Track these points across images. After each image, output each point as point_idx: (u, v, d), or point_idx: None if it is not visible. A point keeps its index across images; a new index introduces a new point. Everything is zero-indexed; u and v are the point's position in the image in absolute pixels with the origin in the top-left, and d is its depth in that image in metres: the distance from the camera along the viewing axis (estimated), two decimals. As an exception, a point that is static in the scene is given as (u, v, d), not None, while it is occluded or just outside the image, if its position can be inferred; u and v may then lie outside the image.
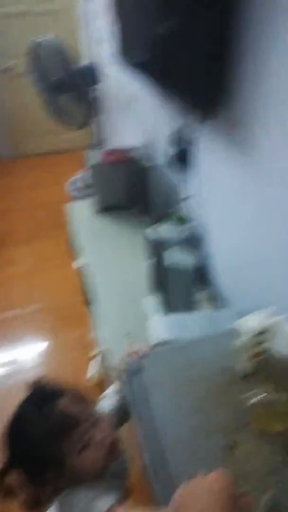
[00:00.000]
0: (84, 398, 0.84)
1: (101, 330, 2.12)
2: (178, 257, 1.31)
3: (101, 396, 1.05)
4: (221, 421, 0.77)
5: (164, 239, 1.42)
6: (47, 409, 0.76)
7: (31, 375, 1.97)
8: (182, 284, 1.32)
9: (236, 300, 1.57)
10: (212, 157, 1.54)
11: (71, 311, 2.43)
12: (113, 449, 0.79)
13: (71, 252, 2.83)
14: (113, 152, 2.24)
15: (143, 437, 0.77)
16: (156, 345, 1.00)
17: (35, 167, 4.40)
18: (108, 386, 1.87)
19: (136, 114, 2.55)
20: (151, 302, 1.63)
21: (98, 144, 3.07)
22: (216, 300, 1.65)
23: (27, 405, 0.79)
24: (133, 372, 0.90)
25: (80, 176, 3.21)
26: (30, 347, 2.21)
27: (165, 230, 1.50)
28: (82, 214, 2.38)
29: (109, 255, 1.98)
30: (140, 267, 1.87)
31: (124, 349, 0.97)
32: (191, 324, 1.17)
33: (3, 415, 1.80)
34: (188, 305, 1.39)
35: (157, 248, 1.41)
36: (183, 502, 0.47)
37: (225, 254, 1.62)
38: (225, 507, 0.44)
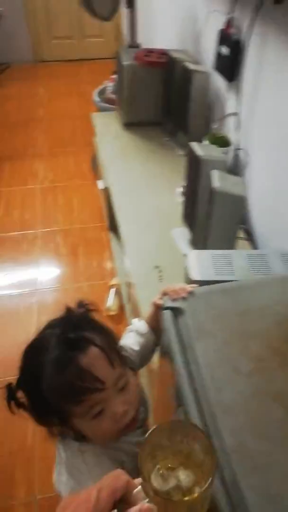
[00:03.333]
0: (118, 351, 0.66)
1: (121, 260, 1.98)
2: (228, 182, 1.07)
3: (126, 330, 0.90)
4: (286, 386, 0.61)
5: (211, 158, 1.16)
6: (68, 358, 0.59)
7: (47, 299, 1.82)
8: (230, 214, 1.09)
9: (272, 240, 1.37)
10: (266, 64, 1.23)
11: (91, 236, 2.26)
12: (131, 424, 0.65)
13: (95, 171, 2.59)
14: (149, 52, 1.88)
15: (188, 395, 0.61)
16: (197, 285, 0.81)
17: (58, 75, 3.97)
18: (127, 319, 1.81)
19: (176, 6, 2.11)
20: (182, 234, 1.42)
21: (130, 46, 2.64)
22: (251, 239, 1.44)
23: (53, 336, 0.62)
24: (174, 314, 0.73)
25: (108, 86, 2.84)
26: (46, 270, 2.09)
27: (210, 149, 1.24)
28: (108, 128, 2.08)
29: (137, 177, 1.74)
30: (171, 193, 1.64)
31: (164, 286, 0.78)
32: (236, 264, 0.97)
33: (15, 336, 1.70)
34: (229, 242, 1.18)
35: (201, 168, 1.17)
36: None
37: (264, 187, 1.37)
38: None
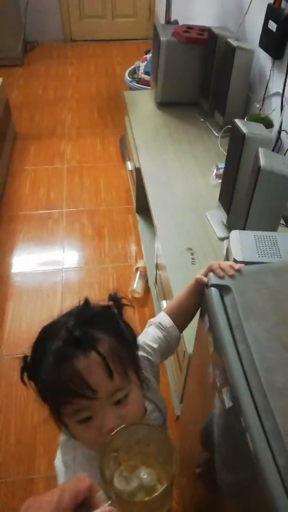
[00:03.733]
0: (126, 360, 0.59)
1: (149, 242, 1.93)
2: (276, 161, 1.01)
3: (147, 323, 0.82)
4: None
5: (257, 136, 1.10)
6: (67, 355, 0.55)
7: (71, 278, 1.80)
8: (275, 195, 1.04)
9: None
10: None
11: (117, 218, 2.22)
12: None
13: (122, 152, 2.54)
14: (189, 28, 1.80)
15: (237, 375, 0.58)
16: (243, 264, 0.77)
17: (87, 55, 3.90)
18: (152, 302, 1.77)
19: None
20: (217, 217, 1.37)
21: (167, 22, 2.56)
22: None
23: (64, 326, 0.58)
24: (220, 292, 0.69)
25: (139, 66, 2.77)
26: (71, 250, 2.07)
27: (255, 127, 1.17)
28: (141, 107, 2.03)
29: (170, 158, 1.68)
30: (205, 175, 1.58)
31: (211, 263, 0.73)
32: (283, 246, 0.92)
33: (39, 314, 1.69)
34: (271, 225, 1.12)
35: (245, 146, 1.11)
36: None
37: None
38: None
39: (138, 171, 1.82)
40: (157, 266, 1.54)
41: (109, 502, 0.41)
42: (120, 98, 3.25)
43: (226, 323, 0.65)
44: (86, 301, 0.62)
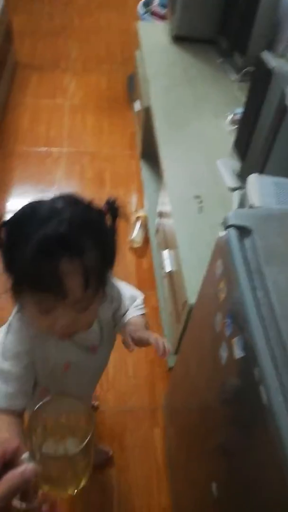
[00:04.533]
0: (103, 275, 0.58)
1: (152, 190, 1.82)
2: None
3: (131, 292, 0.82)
4: None
5: (286, 71, 0.98)
6: (52, 251, 0.51)
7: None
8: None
9: None
10: None
11: (120, 163, 2.10)
12: (66, 336, 0.61)
13: (130, 92, 2.35)
14: None
15: (254, 322, 0.51)
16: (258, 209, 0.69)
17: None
18: (151, 253, 1.68)
19: None
20: (229, 165, 1.27)
21: None
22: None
23: (59, 215, 0.53)
24: (240, 233, 0.61)
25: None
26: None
27: (284, 64, 1.04)
28: (155, 41, 1.84)
29: (182, 98, 1.54)
30: (219, 120, 1.46)
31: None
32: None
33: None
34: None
35: (272, 83, 0.99)
36: None
37: None
38: None
39: (147, 110, 1.68)
40: (160, 214, 1.46)
41: (33, 461, 0.43)
42: (130, 33, 2.99)
43: (244, 267, 0.58)
44: (91, 201, 0.58)
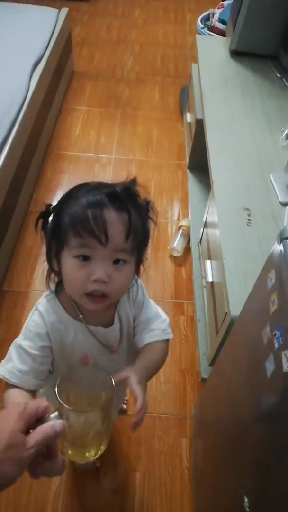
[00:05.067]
0: (139, 238, 0.63)
1: (197, 201, 1.82)
2: None
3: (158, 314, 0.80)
4: None
5: None
6: (100, 199, 0.58)
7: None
8: None
9: None
10: None
11: (166, 172, 2.13)
12: (95, 300, 0.63)
13: (182, 104, 2.38)
14: None
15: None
16: None
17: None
18: (191, 262, 1.68)
19: None
20: (283, 180, 1.26)
21: None
22: None
23: (102, 186, 0.61)
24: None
25: (214, 12, 2.56)
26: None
27: None
28: (213, 54, 1.87)
29: (237, 112, 1.55)
30: (274, 134, 1.45)
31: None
32: None
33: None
34: None
35: None
36: None
37: None
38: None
39: (199, 123, 1.70)
40: (206, 224, 1.46)
41: (61, 419, 0.49)
42: (186, 47, 3.05)
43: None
44: (134, 179, 0.64)
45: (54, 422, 0.48)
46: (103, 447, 0.57)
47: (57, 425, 0.48)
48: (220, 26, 2.41)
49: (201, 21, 2.60)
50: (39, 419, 0.48)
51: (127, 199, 0.60)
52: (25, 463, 0.45)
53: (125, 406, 1.30)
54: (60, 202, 0.63)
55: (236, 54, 1.82)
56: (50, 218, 0.63)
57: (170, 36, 3.18)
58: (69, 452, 0.54)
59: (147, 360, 0.71)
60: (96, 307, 0.64)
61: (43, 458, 0.49)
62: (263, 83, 1.69)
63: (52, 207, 0.63)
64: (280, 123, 1.47)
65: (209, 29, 2.50)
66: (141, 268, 0.69)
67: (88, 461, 0.60)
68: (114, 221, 0.58)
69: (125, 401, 1.31)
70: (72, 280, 0.63)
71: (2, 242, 1.56)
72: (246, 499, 0.69)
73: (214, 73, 1.75)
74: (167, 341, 0.77)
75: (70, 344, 0.71)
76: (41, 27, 2.19)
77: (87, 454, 0.56)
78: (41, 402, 0.49)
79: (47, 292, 0.72)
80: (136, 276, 0.71)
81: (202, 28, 2.53)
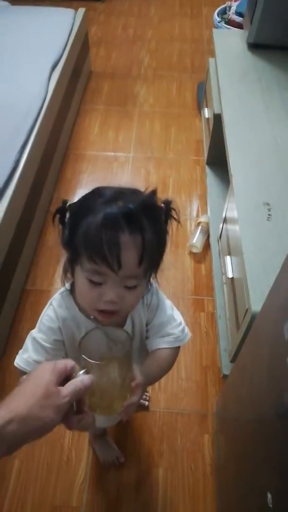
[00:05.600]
0: (153, 258, 0.63)
1: (216, 196, 1.81)
2: None
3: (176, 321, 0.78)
4: None
5: None
6: (116, 223, 0.56)
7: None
8: None
9: None
10: None
11: (184, 169, 2.12)
12: (106, 315, 0.63)
13: (200, 99, 2.36)
14: None
15: None
16: None
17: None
18: (211, 259, 1.67)
19: None
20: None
21: None
22: None
23: (125, 198, 0.59)
24: None
25: (231, 5, 2.52)
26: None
27: None
28: (230, 48, 1.84)
29: (256, 105, 1.53)
30: (294, 129, 1.43)
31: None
32: None
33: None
34: None
35: None
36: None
37: None
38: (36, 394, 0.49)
39: (217, 118, 1.69)
40: (225, 220, 1.45)
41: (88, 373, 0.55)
42: (203, 41, 3.02)
43: None
44: (154, 192, 0.63)
45: (82, 377, 0.54)
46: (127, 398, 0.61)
47: (86, 379, 0.53)
48: (237, 19, 2.38)
49: (217, 15, 2.57)
50: (67, 377, 0.53)
51: (144, 216, 0.58)
52: (62, 410, 0.50)
53: (147, 403, 1.32)
54: (74, 212, 0.61)
55: (254, 47, 1.79)
56: (66, 219, 0.62)
57: (187, 31, 3.16)
58: (98, 408, 0.59)
59: (151, 367, 0.73)
60: (108, 321, 0.65)
61: (75, 413, 0.54)
62: (282, 76, 1.66)
63: (69, 205, 0.63)
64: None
65: (226, 23, 2.47)
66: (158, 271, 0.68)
67: (115, 416, 0.62)
68: (129, 246, 0.57)
69: (147, 398, 1.33)
70: (84, 297, 0.65)
71: (25, 242, 1.60)
72: (269, 495, 0.69)
73: (232, 67, 1.73)
74: (178, 347, 0.77)
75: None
76: (58, 28, 2.22)
77: (114, 406, 0.60)
78: (69, 361, 0.54)
79: (62, 289, 0.73)
80: (151, 281, 0.71)
81: (219, 22, 2.50)
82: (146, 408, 1.31)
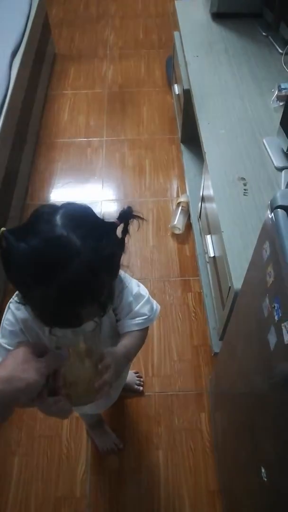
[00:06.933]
0: (105, 298, 0.58)
1: (193, 175, 1.78)
2: None
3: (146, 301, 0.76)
4: None
5: None
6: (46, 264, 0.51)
7: (110, 211, 1.73)
8: None
9: None
10: None
11: (160, 149, 2.08)
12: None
13: (169, 76, 2.30)
14: None
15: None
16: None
17: None
18: (193, 239, 1.66)
19: None
20: (277, 144, 1.22)
21: None
22: None
23: (71, 235, 0.52)
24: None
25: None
26: (110, 181, 1.98)
27: None
28: (194, 19, 1.78)
29: (224, 77, 1.49)
30: (265, 97, 1.40)
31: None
32: None
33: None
34: None
35: None
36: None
37: None
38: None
39: (187, 93, 1.65)
40: (203, 198, 1.43)
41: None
42: (168, 15, 2.92)
43: (294, 250, 0.56)
44: (91, 218, 0.59)
45: (58, 351, 0.59)
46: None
47: (62, 352, 0.59)
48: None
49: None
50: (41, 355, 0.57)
51: (102, 275, 0.54)
52: (42, 373, 0.54)
53: (141, 388, 1.32)
54: (20, 232, 0.53)
55: (218, 16, 1.74)
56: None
57: (151, 5, 3.05)
58: (74, 397, 0.59)
59: (126, 346, 0.72)
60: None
61: (48, 394, 0.56)
62: (249, 44, 1.62)
63: (9, 231, 0.53)
64: (270, 84, 1.41)
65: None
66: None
67: (93, 401, 0.62)
68: (90, 312, 0.58)
69: (142, 383, 1.33)
70: (37, 325, 0.67)
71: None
72: (263, 470, 0.70)
73: (197, 39, 1.68)
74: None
75: (48, 338, 0.69)
76: (15, 12, 2.11)
77: (89, 392, 0.60)
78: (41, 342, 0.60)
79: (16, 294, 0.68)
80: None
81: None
82: (141, 393, 1.32)
